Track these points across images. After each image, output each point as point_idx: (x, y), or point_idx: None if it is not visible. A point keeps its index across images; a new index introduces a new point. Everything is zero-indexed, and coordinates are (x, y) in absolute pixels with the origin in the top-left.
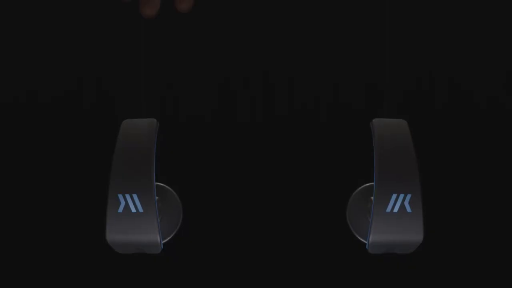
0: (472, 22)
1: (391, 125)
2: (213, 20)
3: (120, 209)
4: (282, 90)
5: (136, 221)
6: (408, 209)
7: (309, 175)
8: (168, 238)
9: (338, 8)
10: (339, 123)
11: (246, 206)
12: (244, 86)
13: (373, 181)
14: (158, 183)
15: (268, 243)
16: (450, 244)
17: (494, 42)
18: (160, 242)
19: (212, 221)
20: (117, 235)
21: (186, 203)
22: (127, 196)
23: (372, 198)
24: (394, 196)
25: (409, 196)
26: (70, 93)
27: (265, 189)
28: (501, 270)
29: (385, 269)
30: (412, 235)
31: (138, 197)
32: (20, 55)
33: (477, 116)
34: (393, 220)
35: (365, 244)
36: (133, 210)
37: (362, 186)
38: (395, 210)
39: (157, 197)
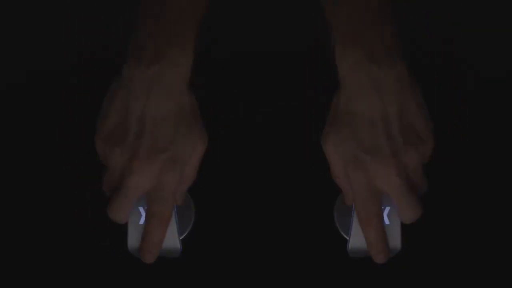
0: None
1: None
2: None
3: (141, 221)
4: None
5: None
6: (387, 221)
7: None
8: (183, 236)
9: None
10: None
11: (247, 206)
12: (243, 85)
13: None
14: None
15: (273, 246)
16: (435, 247)
17: (494, 41)
18: (180, 247)
19: (210, 222)
20: (138, 244)
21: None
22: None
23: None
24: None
25: (387, 208)
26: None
27: (262, 188)
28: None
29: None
30: (390, 244)
31: None
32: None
33: (475, 118)
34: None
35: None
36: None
37: None
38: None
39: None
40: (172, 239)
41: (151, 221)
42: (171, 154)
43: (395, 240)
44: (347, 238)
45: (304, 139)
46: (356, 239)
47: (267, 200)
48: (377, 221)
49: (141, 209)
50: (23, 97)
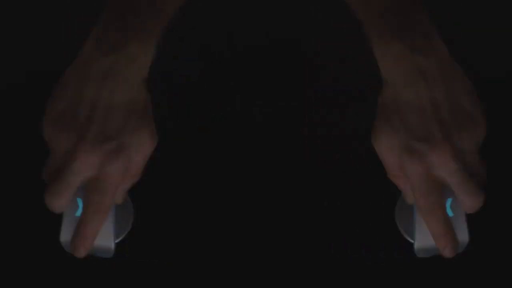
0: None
1: None
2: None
3: (78, 213)
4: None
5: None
6: (450, 213)
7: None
8: (119, 239)
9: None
10: None
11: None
12: (243, 85)
13: None
14: None
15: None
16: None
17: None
18: (114, 248)
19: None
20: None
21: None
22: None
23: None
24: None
25: (450, 200)
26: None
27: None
28: None
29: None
30: (458, 237)
31: None
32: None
33: None
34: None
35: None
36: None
37: None
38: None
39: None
40: (107, 238)
41: (87, 210)
42: (117, 144)
43: (462, 233)
44: (412, 241)
45: (304, 139)
46: (422, 238)
47: (266, 200)
48: (440, 211)
49: (79, 201)
50: (23, 97)
